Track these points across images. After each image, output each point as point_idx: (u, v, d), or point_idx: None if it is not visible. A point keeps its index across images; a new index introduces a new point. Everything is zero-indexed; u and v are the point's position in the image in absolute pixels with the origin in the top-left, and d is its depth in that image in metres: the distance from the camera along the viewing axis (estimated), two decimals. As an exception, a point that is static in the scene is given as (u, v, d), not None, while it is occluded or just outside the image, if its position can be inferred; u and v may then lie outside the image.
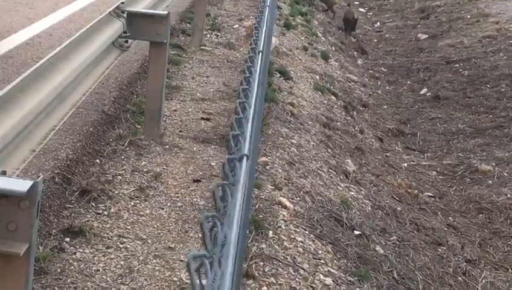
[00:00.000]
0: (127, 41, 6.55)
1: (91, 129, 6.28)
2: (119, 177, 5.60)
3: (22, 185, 2.76)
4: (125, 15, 6.38)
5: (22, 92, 3.89)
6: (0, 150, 3.46)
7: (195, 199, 5.46)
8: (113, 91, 7.42)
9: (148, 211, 5.15)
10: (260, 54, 3.93)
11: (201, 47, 10.14)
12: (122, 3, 6.34)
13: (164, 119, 6.90)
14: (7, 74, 7.30)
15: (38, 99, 4.05)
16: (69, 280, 4.18)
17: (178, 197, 5.45)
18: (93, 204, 5.10)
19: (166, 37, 6.49)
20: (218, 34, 11.13)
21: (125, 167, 5.80)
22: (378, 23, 19.49)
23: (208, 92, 8.25)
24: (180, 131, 6.88)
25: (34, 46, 8.48)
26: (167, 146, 6.42)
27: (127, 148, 6.17)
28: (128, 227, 4.88)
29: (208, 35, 10.87)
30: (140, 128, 6.63)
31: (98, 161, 5.87)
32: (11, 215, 2.79)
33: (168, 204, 5.31)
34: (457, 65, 14.19)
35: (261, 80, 3.65)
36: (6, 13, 9.77)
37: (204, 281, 1.37)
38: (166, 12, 6.44)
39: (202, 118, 7.34)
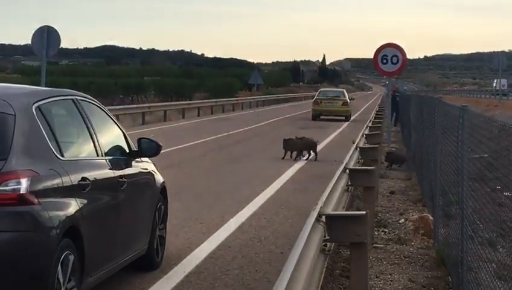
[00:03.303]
0: (326, 245, 6.53)
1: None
2: None
3: None
4: (323, 219, 6.41)
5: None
6: None
7: None
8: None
9: None
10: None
11: (374, 245, 10.03)
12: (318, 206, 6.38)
13: (368, 321, 6.70)
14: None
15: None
16: None
17: None
18: None
19: (366, 237, 6.44)
20: (386, 230, 11.04)
21: None
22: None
23: (397, 290, 8.05)
24: (387, 333, 6.65)
25: (218, 259, 8.57)
26: None
27: None
28: None
29: (376, 232, 10.78)
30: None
31: None
32: None
33: None
34: None
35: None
36: (181, 230, 10.00)
37: None
38: (364, 213, 6.43)
39: (403, 317, 7.10)
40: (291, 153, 19.92)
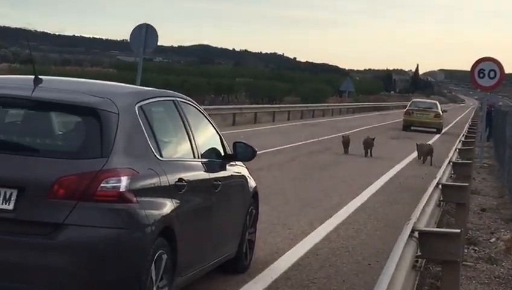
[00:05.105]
0: (417, 261, 6.45)
1: None
2: None
3: None
4: (416, 234, 6.33)
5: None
6: None
7: None
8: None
9: None
10: None
11: (464, 262, 9.85)
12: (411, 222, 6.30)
13: None
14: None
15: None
16: None
17: None
18: None
19: (459, 255, 6.33)
20: (476, 248, 10.84)
21: None
22: None
23: (487, 311, 7.90)
24: None
25: (305, 266, 8.57)
26: None
27: None
28: None
29: (465, 250, 10.59)
30: None
31: None
32: None
33: None
34: None
35: None
36: (269, 234, 10.04)
37: None
38: (459, 231, 6.31)
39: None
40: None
